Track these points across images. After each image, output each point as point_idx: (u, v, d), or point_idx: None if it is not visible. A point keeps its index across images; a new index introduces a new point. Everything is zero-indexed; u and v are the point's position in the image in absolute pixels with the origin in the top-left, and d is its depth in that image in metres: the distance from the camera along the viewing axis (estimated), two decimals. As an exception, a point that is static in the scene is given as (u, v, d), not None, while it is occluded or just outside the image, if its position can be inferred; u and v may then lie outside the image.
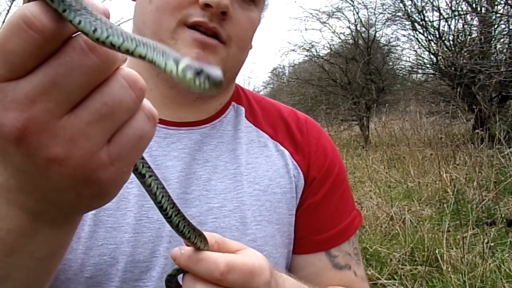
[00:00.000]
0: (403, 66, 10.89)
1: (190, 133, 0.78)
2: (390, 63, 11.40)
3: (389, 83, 10.52)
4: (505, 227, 3.60)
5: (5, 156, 0.34)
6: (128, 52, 0.32)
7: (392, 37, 10.82)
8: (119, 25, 0.34)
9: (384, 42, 10.76)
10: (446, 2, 8.49)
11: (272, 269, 0.59)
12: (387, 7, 9.59)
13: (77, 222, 0.43)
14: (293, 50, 12.01)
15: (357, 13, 10.53)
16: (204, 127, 0.79)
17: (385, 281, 3.09)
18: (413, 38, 9.24)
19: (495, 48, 7.89)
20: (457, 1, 8.01)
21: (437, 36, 8.39)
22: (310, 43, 10.81)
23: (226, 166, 0.78)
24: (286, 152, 0.83)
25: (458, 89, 7.06)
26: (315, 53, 10.88)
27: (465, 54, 7.32)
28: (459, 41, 8.14)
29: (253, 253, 0.59)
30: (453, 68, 7.79)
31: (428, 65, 9.41)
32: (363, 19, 10.50)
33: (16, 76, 0.31)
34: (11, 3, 7.26)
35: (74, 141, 0.33)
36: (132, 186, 0.70)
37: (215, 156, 0.78)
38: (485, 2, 7.61)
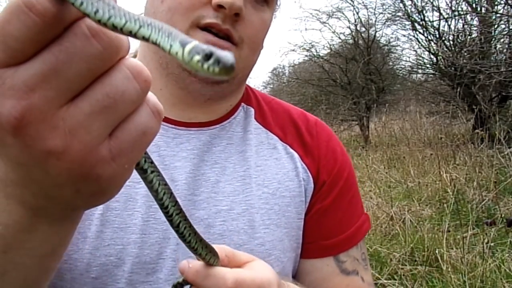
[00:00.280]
0: (403, 66, 10.90)
1: (200, 133, 0.77)
2: (390, 63, 11.40)
3: (389, 83, 10.52)
4: (505, 227, 3.60)
5: (3, 147, 0.33)
6: (131, 34, 0.30)
7: (392, 37, 10.84)
8: None
9: (384, 42, 10.78)
10: (446, 2, 8.51)
11: (280, 282, 0.59)
12: (387, 7, 9.60)
13: (77, 219, 0.41)
14: (293, 50, 12.04)
15: (357, 13, 10.54)
16: (213, 128, 0.79)
17: (385, 281, 3.09)
18: (413, 38, 9.25)
19: (495, 48, 7.89)
20: (457, 1, 8.01)
21: (437, 36, 8.39)
22: (310, 43, 10.82)
23: (235, 168, 0.77)
24: (296, 155, 0.82)
25: (458, 89, 7.06)
26: (315, 53, 10.89)
27: (465, 54, 7.32)
28: (459, 41, 8.14)
29: (262, 266, 0.59)
30: (453, 68, 7.78)
31: (428, 65, 9.41)
32: (363, 19, 10.51)
33: (15, 62, 0.29)
34: None
35: (73, 134, 0.31)
36: (140, 187, 0.69)
37: (224, 158, 0.77)
38: (485, 2, 7.60)
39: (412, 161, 6.13)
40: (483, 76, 6.64)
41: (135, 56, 0.84)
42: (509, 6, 6.85)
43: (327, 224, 0.81)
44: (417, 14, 8.61)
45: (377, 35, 10.42)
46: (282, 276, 0.75)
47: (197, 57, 0.30)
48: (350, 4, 10.23)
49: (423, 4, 8.36)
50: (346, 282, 0.80)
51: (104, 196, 0.37)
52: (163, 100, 0.74)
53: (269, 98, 0.90)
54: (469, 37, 8.02)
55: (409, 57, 11.14)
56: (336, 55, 10.80)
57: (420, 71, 10.06)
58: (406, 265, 3.28)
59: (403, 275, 3.17)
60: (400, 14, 9.18)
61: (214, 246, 0.53)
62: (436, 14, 8.30)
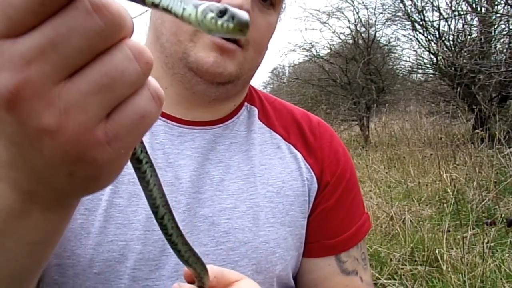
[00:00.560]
0: (403, 66, 10.90)
1: (204, 132, 0.77)
2: (390, 63, 11.40)
3: (389, 83, 10.51)
4: (505, 227, 3.60)
5: None
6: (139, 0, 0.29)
7: (392, 37, 10.86)
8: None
9: (384, 42, 10.77)
10: (446, 2, 8.51)
11: None
12: (387, 7, 9.59)
13: (71, 208, 0.40)
14: (293, 50, 12.06)
15: (357, 13, 10.56)
16: (217, 127, 0.79)
17: (385, 281, 3.09)
18: (413, 38, 9.24)
19: (495, 48, 7.88)
20: (457, 1, 8.01)
21: (437, 36, 8.39)
22: (310, 43, 10.81)
23: (239, 166, 0.78)
24: (299, 155, 0.83)
25: (458, 89, 7.06)
26: (315, 53, 10.88)
27: (465, 54, 7.31)
28: (459, 41, 8.14)
29: (250, 285, 0.60)
30: (453, 68, 7.78)
31: (428, 65, 9.40)
32: (363, 19, 10.50)
33: (14, 34, 0.28)
34: None
35: (69, 112, 0.30)
36: None
37: (228, 157, 0.78)
38: (485, 2, 7.60)
39: (412, 161, 6.13)
40: (483, 76, 6.64)
41: None
42: (509, 6, 6.85)
43: (331, 224, 0.82)
44: (417, 14, 8.62)
45: (377, 35, 10.43)
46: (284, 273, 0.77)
47: (210, 14, 0.29)
48: (350, 4, 10.24)
49: (423, 4, 8.37)
50: (345, 282, 0.81)
51: (99, 182, 0.35)
52: (168, 99, 0.76)
53: (272, 99, 0.91)
54: (469, 37, 8.01)
55: (409, 57, 11.17)
56: (336, 55, 10.80)
57: (420, 71, 10.06)
58: (406, 265, 3.28)
59: (403, 275, 3.17)
60: (400, 14, 9.18)
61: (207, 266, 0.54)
62: (436, 14, 8.31)
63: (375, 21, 10.25)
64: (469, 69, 6.92)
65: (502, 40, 7.85)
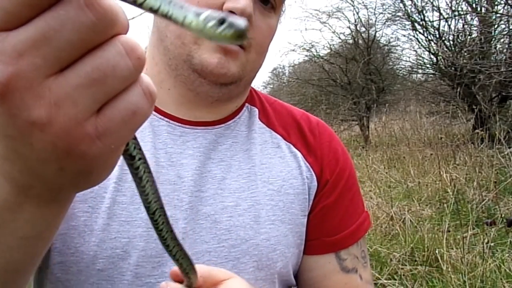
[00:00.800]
0: (403, 66, 10.90)
1: (206, 132, 0.79)
2: (390, 63, 11.41)
3: (389, 83, 10.52)
4: (505, 227, 3.60)
5: None
6: (136, 3, 0.30)
7: (392, 37, 10.86)
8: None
9: (384, 42, 10.78)
10: (446, 2, 8.52)
11: None
12: (387, 7, 9.60)
13: (66, 204, 0.40)
14: (293, 50, 12.06)
15: (357, 13, 10.57)
16: (218, 127, 0.81)
17: (385, 281, 3.09)
18: (413, 38, 9.25)
19: (495, 48, 7.89)
20: (457, 1, 8.01)
21: (437, 36, 8.39)
22: (310, 43, 10.82)
23: (241, 165, 0.79)
24: (299, 154, 0.84)
25: (458, 89, 7.06)
26: (315, 53, 10.89)
27: (465, 54, 7.32)
28: (459, 41, 8.14)
29: (239, 284, 0.61)
30: (453, 68, 7.78)
31: (428, 65, 9.41)
32: (363, 19, 10.51)
33: (8, 27, 0.29)
34: None
35: (59, 106, 0.30)
36: None
37: (229, 156, 0.79)
38: (485, 2, 7.60)
39: (412, 161, 6.13)
40: (483, 76, 6.64)
41: None
42: (509, 6, 6.85)
43: (330, 222, 0.83)
44: (417, 14, 8.62)
45: (377, 35, 10.44)
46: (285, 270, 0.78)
47: (211, 23, 0.30)
48: (350, 4, 10.24)
49: (423, 4, 8.38)
50: (345, 280, 0.82)
51: (91, 177, 0.35)
52: (171, 99, 0.78)
53: (272, 100, 0.92)
54: (469, 37, 8.02)
55: (409, 57, 11.15)
56: (336, 55, 10.80)
57: (420, 71, 10.07)
58: (406, 265, 3.28)
59: (403, 275, 3.17)
60: (400, 14, 9.19)
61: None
62: (436, 14, 8.32)
63: (375, 21, 10.28)
64: (469, 69, 6.92)
65: (502, 40, 7.86)
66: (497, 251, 3.27)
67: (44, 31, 0.29)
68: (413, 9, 8.66)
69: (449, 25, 8.30)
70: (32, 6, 0.28)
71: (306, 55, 11.16)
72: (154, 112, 0.77)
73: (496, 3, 7.55)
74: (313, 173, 0.83)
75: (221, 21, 0.30)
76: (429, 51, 8.88)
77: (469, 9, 7.89)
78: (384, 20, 9.87)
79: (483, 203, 4.15)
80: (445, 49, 8.25)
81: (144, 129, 0.75)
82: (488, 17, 7.16)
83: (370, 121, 10.11)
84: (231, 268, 0.72)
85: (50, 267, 0.67)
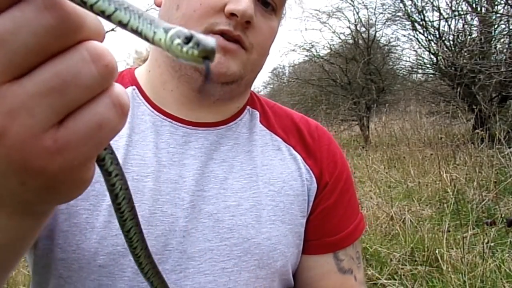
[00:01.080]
0: (403, 66, 10.90)
1: (207, 133, 0.80)
2: (390, 63, 11.40)
3: (389, 83, 10.52)
4: (505, 227, 3.60)
5: None
6: (104, 14, 0.27)
7: (392, 37, 10.88)
8: None
9: (384, 42, 10.78)
10: (446, 2, 8.52)
11: None
12: (387, 7, 9.60)
13: (41, 216, 0.38)
14: (293, 50, 12.04)
15: (357, 13, 10.57)
16: (220, 128, 0.82)
17: (385, 281, 3.10)
18: (413, 38, 9.25)
19: (495, 48, 7.88)
20: (457, 1, 8.01)
21: (437, 36, 8.39)
22: (310, 43, 10.82)
23: (242, 166, 0.80)
24: (299, 157, 0.86)
25: (458, 89, 7.06)
26: (315, 53, 10.89)
27: (465, 54, 7.32)
28: (459, 41, 8.14)
29: None
30: (453, 68, 7.78)
31: (428, 65, 9.41)
32: (363, 19, 10.51)
33: None
34: None
35: (14, 115, 0.27)
36: (148, 180, 0.72)
37: (231, 157, 0.80)
38: (485, 2, 7.61)
39: (412, 161, 6.13)
40: (483, 76, 6.64)
41: (145, 60, 0.87)
42: (509, 6, 6.85)
43: (331, 222, 0.85)
44: (417, 14, 8.62)
45: (377, 35, 10.43)
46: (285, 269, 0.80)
47: (177, 41, 0.29)
48: (350, 4, 10.25)
49: (423, 4, 8.38)
50: (340, 281, 0.84)
51: (59, 193, 0.33)
52: (173, 100, 0.79)
53: (272, 103, 0.94)
54: (469, 37, 8.02)
55: (409, 57, 11.19)
56: (336, 55, 10.81)
57: (420, 71, 10.07)
58: (406, 265, 3.28)
59: (403, 275, 3.17)
60: (400, 14, 9.19)
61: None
62: (436, 14, 8.33)
63: (375, 21, 10.28)
64: (469, 69, 6.92)
65: (502, 40, 7.86)
66: (497, 251, 3.27)
67: None
68: (413, 9, 8.68)
69: (449, 25, 8.31)
70: None
71: (306, 55, 11.18)
72: (157, 113, 0.78)
73: (496, 3, 7.56)
74: (312, 175, 0.85)
75: (188, 39, 0.28)
76: (429, 51, 8.88)
77: (469, 9, 7.90)
78: (384, 20, 9.89)
79: (483, 203, 4.15)
80: (445, 49, 8.25)
81: (146, 129, 0.76)
82: (488, 17, 7.16)
83: (370, 121, 10.11)
84: (232, 266, 0.73)
85: (54, 262, 0.68)
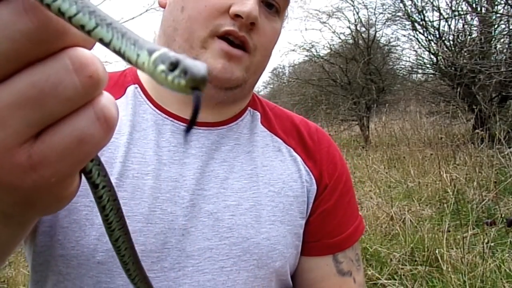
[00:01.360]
0: (403, 66, 10.91)
1: (208, 133, 0.80)
2: (390, 63, 11.41)
3: (389, 83, 10.52)
4: (505, 227, 3.60)
5: None
6: (83, 29, 0.25)
7: (392, 37, 10.87)
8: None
9: (384, 42, 10.78)
10: (446, 2, 8.52)
11: None
12: (387, 7, 9.61)
13: (26, 225, 0.37)
14: (293, 50, 12.02)
15: (357, 13, 10.57)
16: (221, 128, 0.82)
17: (385, 281, 3.10)
18: (413, 38, 9.25)
19: (495, 48, 7.89)
20: (457, 1, 8.02)
21: (437, 36, 8.40)
22: (310, 43, 10.83)
23: (243, 166, 0.81)
24: (299, 158, 0.86)
25: (458, 89, 7.06)
26: (315, 53, 10.89)
27: (465, 54, 7.32)
28: (459, 41, 8.14)
29: None
30: (453, 68, 7.78)
31: (428, 65, 9.41)
32: (363, 19, 10.51)
33: None
34: None
35: None
36: (148, 178, 0.72)
37: (232, 157, 0.80)
38: (485, 2, 7.61)
39: (412, 161, 6.13)
40: (483, 76, 6.64)
41: None
42: (509, 6, 6.85)
43: (331, 224, 0.85)
44: (417, 14, 8.63)
45: (377, 35, 10.44)
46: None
47: (161, 67, 0.25)
48: (350, 4, 10.25)
49: (423, 4, 8.38)
50: (340, 283, 0.84)
51: (37, 209, 0.31)
52: (175, 100, 0.79)
53: (272, 105, 0.95)
54: (469, 37, 8.02)
55: (409, 57, 11.18)
56: (336, 55, 10.81)
57: (420, 71, 10.07)
58: (406, 265, 3.28)
59: (403, 275, 3.17)
60: (400, 14, 9.19)
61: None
62: (436, 14, 8.34)
63: (375, 21, 10.28)
64: (469, 69, 6.92)
65: (502, 40, 7.86)
66: (497, 251, 3.27)
67: None
68: (413, 9, 8.68)
69: (449, 25, 8.31)
70: None
71: (306, 55, 11.18)
72: (159, 112, 0.78)
73: (496, 3, 7.56)
74: (312, 177, 0.85)
75: (174, 65, 0.24)
76: (429, 51, 8.88)
77: (469, 9, 7.90)
78: (384, 20, 9.89)
79: (483, 203, 4.16)
80: (445, 49, 8.25)
81: (148, 128, 0.76)
82: (488, 17, 7.16)
83: (370, 121, 10.11)
84: (231, 265, 0.73)
85: (54, 259, 0.68)
